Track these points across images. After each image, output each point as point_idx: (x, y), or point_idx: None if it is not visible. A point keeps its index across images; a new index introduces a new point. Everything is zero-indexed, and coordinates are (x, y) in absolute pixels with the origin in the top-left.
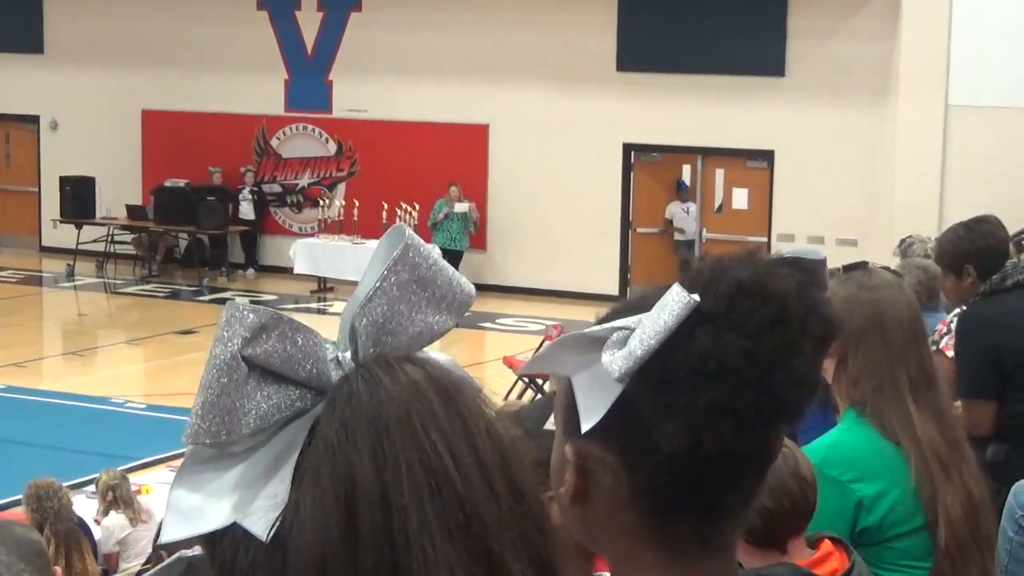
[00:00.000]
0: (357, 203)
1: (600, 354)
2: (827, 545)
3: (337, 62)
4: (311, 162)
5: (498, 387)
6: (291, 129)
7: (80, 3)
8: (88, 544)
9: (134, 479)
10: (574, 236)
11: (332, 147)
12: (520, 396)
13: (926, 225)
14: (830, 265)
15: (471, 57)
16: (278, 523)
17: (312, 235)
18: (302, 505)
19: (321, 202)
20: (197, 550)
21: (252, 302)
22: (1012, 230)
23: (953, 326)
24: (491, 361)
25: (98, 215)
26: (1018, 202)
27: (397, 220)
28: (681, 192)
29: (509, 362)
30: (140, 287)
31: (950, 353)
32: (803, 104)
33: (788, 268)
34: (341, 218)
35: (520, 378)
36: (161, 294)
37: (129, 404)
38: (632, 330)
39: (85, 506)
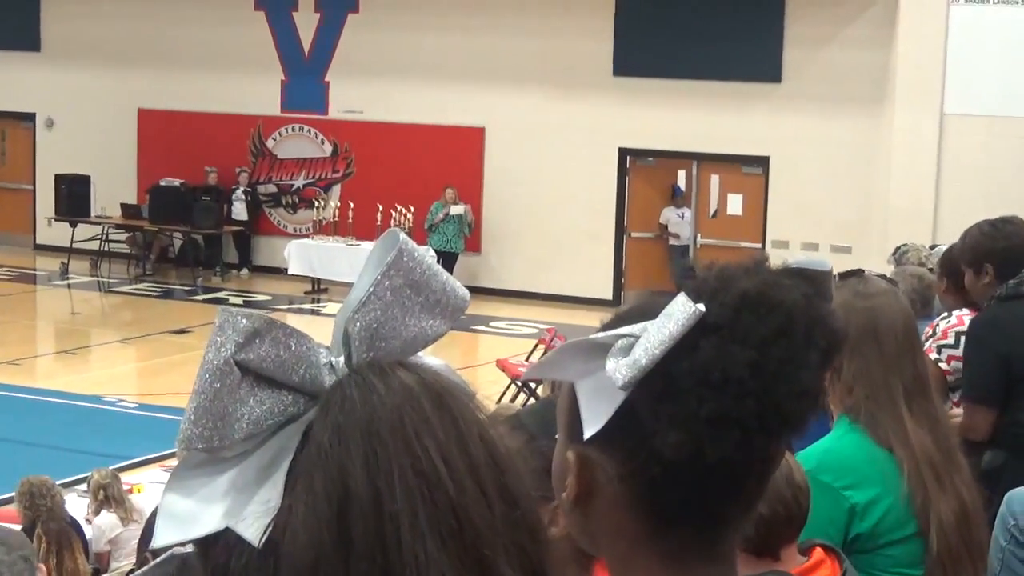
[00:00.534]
0: (352, 204)
1: (604, 361)
2: (819, 553)
3: (334, 63)
4: (306, 163)
5: (491, 390)
6: (287, 130)
7: (77, 2)
8: (79, 543)
9: (126, 478)
10: (569, 240)
11: (328, 148)
12: (513, 399)
13: (920, 233)
14: None
15: (468, 60)
16: (270, 528)
17: (307, 236)
18: (295, 511)
19: (316, 203)
20: (189, 547)
21: (245, 302)
22: None
23: (939, 328)
24: (484, 364)
25: (93, 213)
26: (1013, 211)
27: (392, 222)
28: (676, 197)
29: (502, 365)
30: (134, 286)
31: (932, 355)
32: (799, 111)
33: (794, 279)
34: (336, 219)
35: (513, 381)
36: (155, 293)
37: (121, 403)
38: (637, 338)
39: (76, 505)
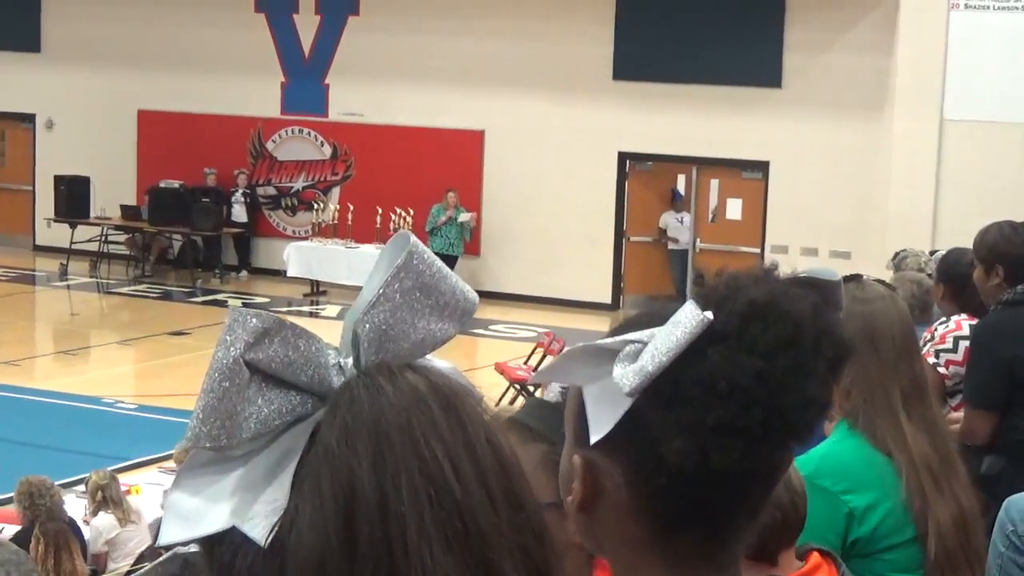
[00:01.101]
0: (351, 207)
1: (612, 366)
2: (815, 557)
3: (334, 66)
4: (306, 165)
5: (490, 394)
6: (287, 132)
7: (78, 3)
8: (77, 544)
9: (124, 479)
10: (568, 243)
11: (327, 151)
12: (512, 402)
13: (919, 239)
14: None
15: (468, 63)
16: (277, 528)
17: (306, 238)
18: (301, 511)
19: (315, 205)
20: (193, 547)
21: (244, 305)
22: None
23: (936, 333)
24: (483, 367)
25: (92, 215)
26: (1012, 217)
27: (391, 225)
28: (675, 202)
29: (501, 368)
30: (133, 287)
31: (931, 360)
32: (799, 116)
33: (803, 288)
34: (335, 222)
35: (512, 385)
36: (154, 295)
37: (120, 404)
38: (644, 344)
39: (74, 506)
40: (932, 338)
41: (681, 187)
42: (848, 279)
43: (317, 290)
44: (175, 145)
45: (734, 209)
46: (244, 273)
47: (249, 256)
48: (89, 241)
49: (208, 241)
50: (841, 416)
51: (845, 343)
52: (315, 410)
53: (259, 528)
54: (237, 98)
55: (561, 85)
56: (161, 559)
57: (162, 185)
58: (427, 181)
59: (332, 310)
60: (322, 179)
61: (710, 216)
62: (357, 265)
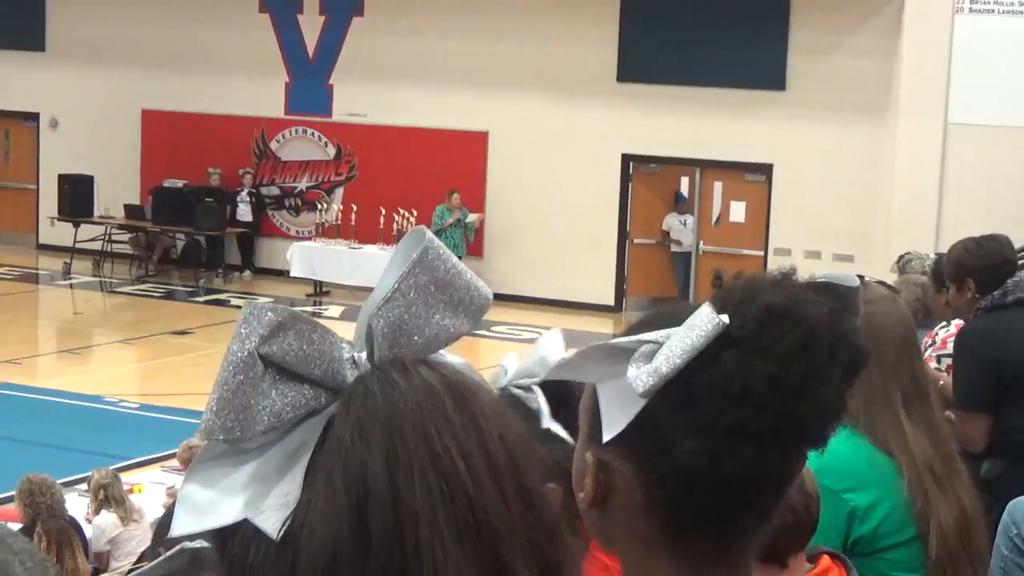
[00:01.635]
0: (355, 208)
1: (626, 365)
2: (826, 560)
3: (338, 66)
4: (310, 165)
5: None
6: (291, 132)
7: (83, 2)
8: (79, 542)
9: (126, 478)
10: (571, 245)
11: (331, 151)
12: None
13: (923, 242)
14: None
15: (472, 64)
16: (289, 522)
17: (309, 239)
18: (314, 504)
19: (319, 206)
20: (200, 542)
21: None
22: None
23: (938, 338)
24: (486, 368)
25: (96, 214)
26: (1016, 220)
27: (394, 225)
28: (679, 204)
29: None
30: (136, 287)
31: (932, 364)
32: (803, 119)
33: (821, 293)
34: (338, 222)
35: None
36: (157, 294)
37: (123, 403)
38: (659, 345)
39: (77, 504)
40: (933, 343)
41: (684, 189)
42: None
43: (320, 290)
44: (179, 145)
45: (737, 212)
46: (247, 273)
47: (252, 256)
48: (93, 240)
49: (211, 241)
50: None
51: (861, 350)
52: (328, 404)
53: (271, 521)
54: (241, 98)
55: (565, 87)
56: (167, 554)
57: (166, 185)
58: (431, 182)
59: (335, 310)
60: (326, 179)
61: (713, 219)
62: (360, 265)
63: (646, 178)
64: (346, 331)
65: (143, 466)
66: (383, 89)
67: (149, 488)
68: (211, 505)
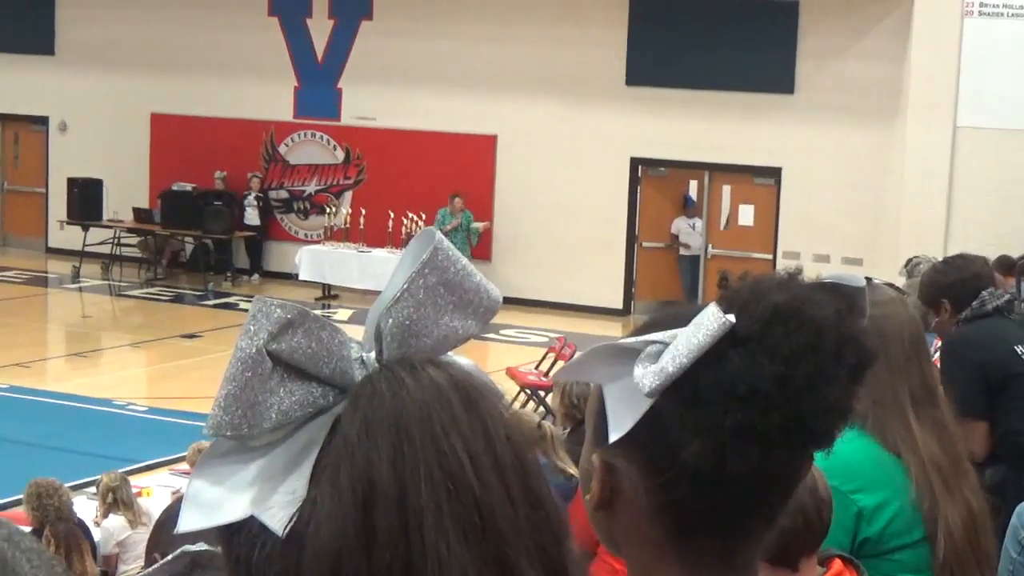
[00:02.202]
0: (363, 211)
1: (633, 365)
2: (838, 564)
3: (347, 70)
4: (318, 169)
5: None
6: (299, 136)
7: (92, 6)
8: (88, 545)
9: (135, 482)
10: (579, 249)
11: (340, 155)
12: (523, 407)
13: (932, 246)
14: None
15: (480, 68)
16: (295, 519)
17: (318, 242)
18: (320, 502)
19: (327, 209)
20: (200, 545)
21: None
22: (1019, 252)
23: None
24: (494, 372)
25: (105, 217)
26: None
27: (403, 229)
28: (687, 208)
29: (512, 373)
30: (145, 290)
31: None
32: (812, 123)
33: (827, 294)
34: (347, 226)
35: (523, 389)
36: (166, 298)
37: (131, 406)
38: (666, 345)
39: (85, 508)
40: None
41: (693, 193)
42: None
43: (329, 294)
44: (188, 148)
45: (746, 215)
46: (256, 276)
47: (261, 259)
48: (102, 244)
49: (220, 244)
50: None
51: (868, 350)
52: (336, 403)
53: (277, 518)
54: (250, 102)
55: (574, 90)
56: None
57: (174, 188)
58: (439, 186)
59: (344, 314)
60: (334, 183)
61: (722, 222)
62: (369, 269)
63: (655, 181)
64: (354, 335)
65: (152, 469)
66: (392, 93)
67: (158, 491)
68: (218, 502)
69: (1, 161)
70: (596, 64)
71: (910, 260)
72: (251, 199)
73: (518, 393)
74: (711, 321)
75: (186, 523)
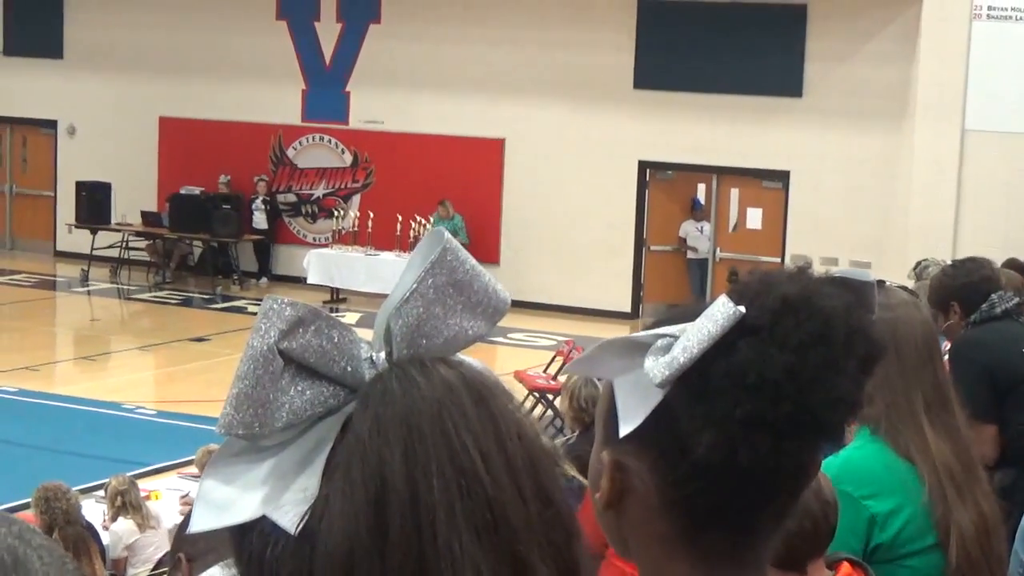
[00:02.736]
0: (371, 215)
1: (643, 359)
2: (846, 567)
3: (355, 73)
4: (326, 172)
5: None
6: (307, 139)
7: (100, 9)
8: (96, 549)
9: (143, 485)
10: (588, 252)
11: (348, 158)
12: (531, 410)
13: (940, 249)
14: None
15: (488, 71)
16: (307, 517)
17: (326, 245)
18: (332, 500)
19: (336, 213)
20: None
21: None
22: None
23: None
24: (502, 375)
25: (113, 221)
26: None
27: (411, 232)
28: (696, 211)
29: (520, 377)
30: (153, 294)
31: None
32: (820, 126)
33: (837, 287)
34: (355, 229)
35: (531, 393)
36: (174, 301)
37: (140, 410)
38: (676, 337)
39: (94, 511)
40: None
41: (701, 196)
42: None
43: (337, 297)
44: (196, 152)
45: (754, 219)
46: (264, 280)
47: (269, 263)
48: (110, 247)
49: (228, 248)
50: (862, 422)
51: (877, 342)
52: (347, 403)
53: (289, 516)
54: (258, 105)
55: (582, 94)
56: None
57: (183, 192)
58: (447, 189)
59: (352, 317)
60: (342, 186)
61: (730, 226)
62: (377, 272)
63: (663, 185)
64: (363, 337)
65: (160, 472)
66: (400, 96)
67: (166, 495)
68: (230, 501)
69: (9, 164)
70: (604, 68)
71: (919, 263)
72: (259, 203)
73: (526, 396)
74: (721, 312)
75: (198, 523)
